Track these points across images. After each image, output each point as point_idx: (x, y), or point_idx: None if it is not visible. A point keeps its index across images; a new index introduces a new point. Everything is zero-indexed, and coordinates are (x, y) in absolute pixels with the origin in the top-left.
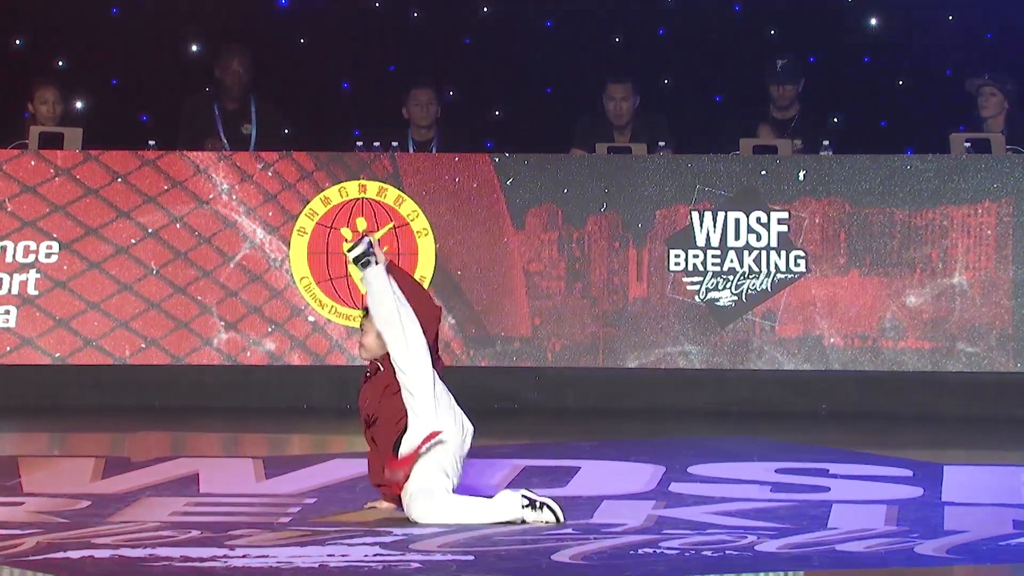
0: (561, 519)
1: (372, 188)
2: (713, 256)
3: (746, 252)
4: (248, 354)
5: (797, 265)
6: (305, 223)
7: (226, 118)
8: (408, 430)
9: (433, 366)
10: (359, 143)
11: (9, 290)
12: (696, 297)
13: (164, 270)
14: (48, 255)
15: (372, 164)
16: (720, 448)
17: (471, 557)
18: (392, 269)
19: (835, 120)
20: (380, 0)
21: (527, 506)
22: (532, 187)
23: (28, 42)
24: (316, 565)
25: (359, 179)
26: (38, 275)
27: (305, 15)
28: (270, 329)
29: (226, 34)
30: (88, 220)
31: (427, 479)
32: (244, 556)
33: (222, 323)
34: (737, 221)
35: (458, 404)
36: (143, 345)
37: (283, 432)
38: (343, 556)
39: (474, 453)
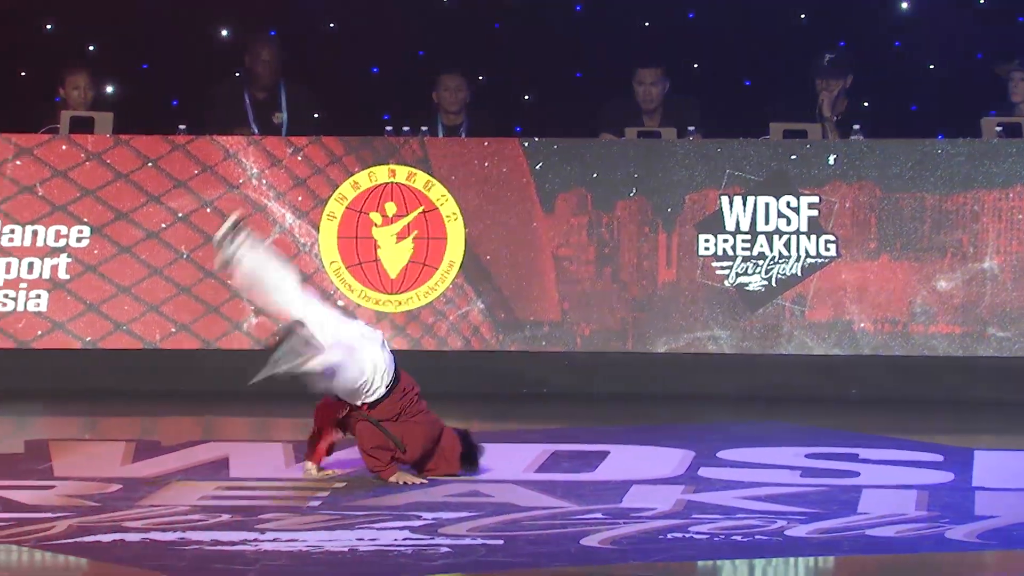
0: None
1: (401, 173)
2: (743, 241)
3: (776, 236)
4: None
5: (827, 250)
6: (335, 208)
7: (257, 108)
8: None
9: None
10: (389, 128)
11: (40, 274)
12: (726, 282)
13: (194, 254)
14: (79, 239)
15: (401, 149)
16: (750, 433)
17: (500, 541)
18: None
19: (865, 105)
20: None
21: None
22: (561, 172)
23: (59, 27)
24: (346, 549)
25: (388, 164)
26: (69, 259)
27: (335, 0)
28: None
29: (256, 19)
30: (119, 204)
31: None
32: (274, 540)
33: (252, 307)
34: (767, 205)
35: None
36: (173, 329)
37: (312, 416)
38: (372, 540)
39: (503, 437)
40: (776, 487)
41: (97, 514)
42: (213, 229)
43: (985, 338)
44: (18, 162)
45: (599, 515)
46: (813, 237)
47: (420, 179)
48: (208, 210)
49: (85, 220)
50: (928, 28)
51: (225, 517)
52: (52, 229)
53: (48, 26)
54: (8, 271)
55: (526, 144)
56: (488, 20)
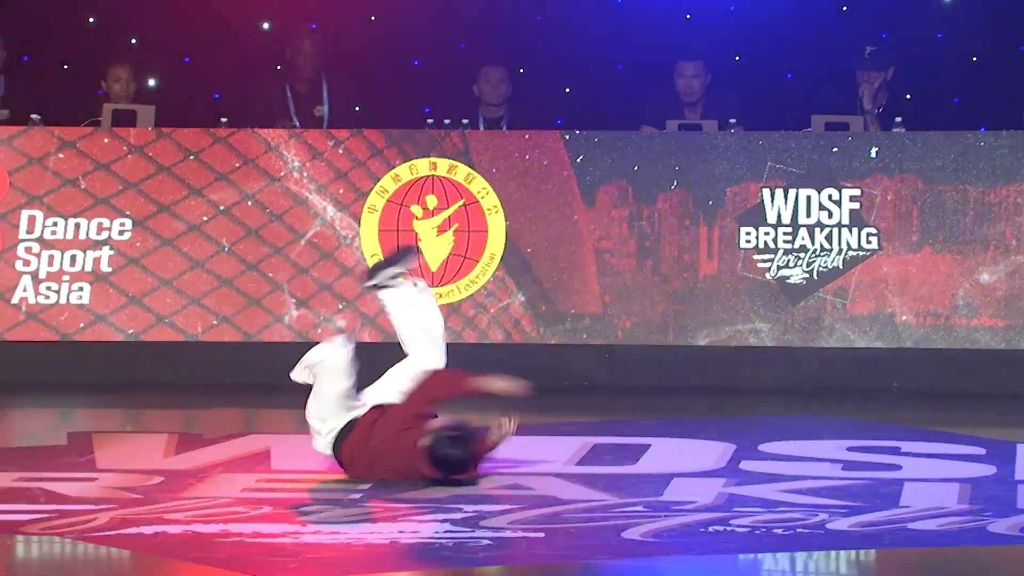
0: None
1: (442, 165)
2: (784, 233)
3: (817, 229)
4: (319, 331)
5: (869, 242)
6: (376, 200)
7: (298, 101)
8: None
9: None
10: (430, 120)
11: (83, 267)
12: (767, 275)
13: (236, 247)
14: (121, 232)
15: (443, 141)
16: (791, 426)
17: (541, 534)
18: None
19: (908, 97)
20: None
21: None
22: (602, 164)
23: (101, 20)
24: (387, 541)
25: (429, 156)
26: (111, 252)
27: None
28: (341, 306)
29: (297, 12)
30: (161, 197)
31: None
32: (315, 532)
33: (293, 300)
34: (808, 198)
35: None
36: (215, 322)
37: None
38: (414, 533)
39: (544, 430)
40: (818, 480)
41: (139, 506)
42: (254, 222)
43: None
44: (61, 155)
45: (640, 508)
46: (855, 230)
47: (461, 172)
48: (249, 203)
49: (127, 213)
50: (971, 19)
51: (267, 509)
52: (94, 222)
53: (91, 19)
54: (51, 263)
55: (567, 137)
56: (530, 13)
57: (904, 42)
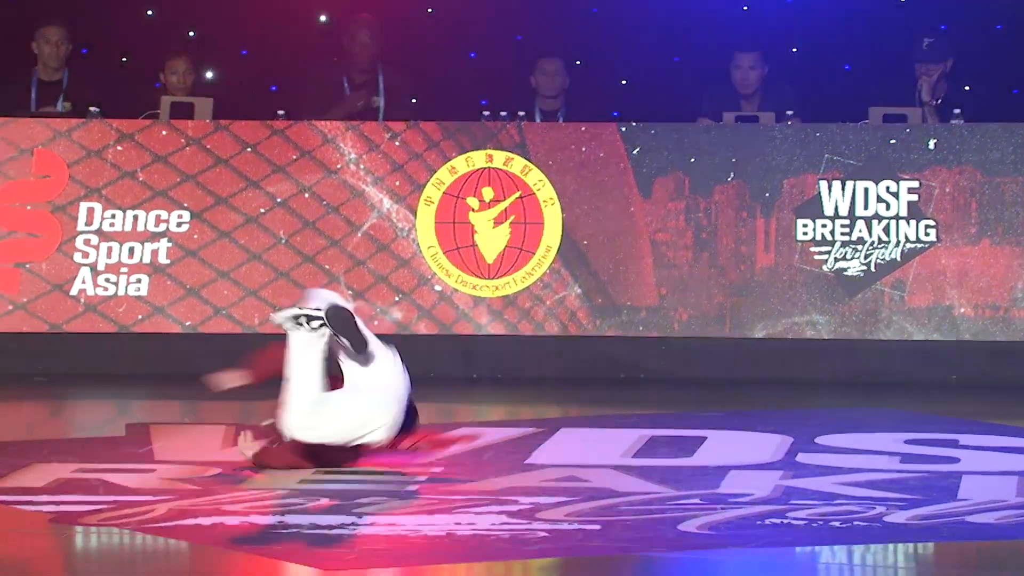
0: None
1: (499, 158)
2: (842, 225)
3: (875, 221)
4: (375, 323)
5: (927, 235)
6: (432, 192)
7: (355, 90)
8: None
9: None
10: (486, 113)
11: (141, 259)
12: (824, 267)
13: (292, 239)
14: (179, 224)
15: (499, 134)
16: (848, 418)
17: (598, 527)
18: None
19: (966, 88)
20: None
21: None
22: (659, 156)
23: (160, 13)
24: (443, 533)
25: (486, 148)
26: (169, 244)
27: None
28: (397, 298)
29: (354, 4)
30: (218, 189)
31: None
32: (372, 524)
33: (350, 292)
34: (866, 190)
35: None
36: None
37: None
38: (470, 524)
39: (600, 422)
40: (875, 473)
41: (197, 497)
42: (311, 214)
43: None
44: (119, 147)
45: (697, 500)
46: (913, 222)
47: (517, 164)
48: (306, 195)
49: (185, 205)
50: None
51: (324, 501)
52: (152, 214)
53: (149, 12)
54: (109, 255)
55: (624, 129)
56: (586, 4)
57: (963, 33)
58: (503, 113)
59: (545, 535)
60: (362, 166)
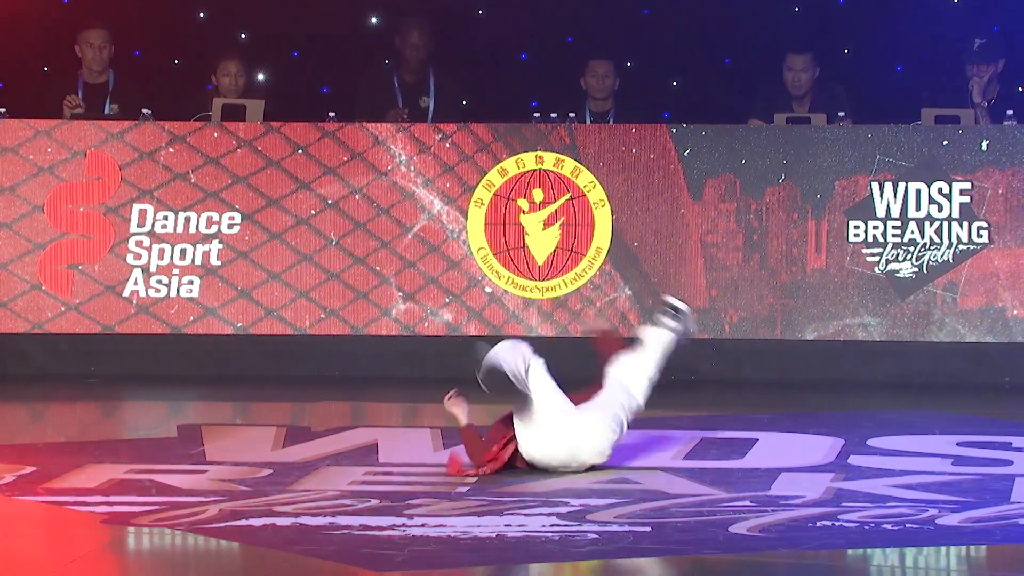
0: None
1: (549, 159)
2: (893, 227)
3: (927, 223)
4: (426, 324)
5: (980, 236)
6: (482, 194)
7: (405, 91)
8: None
9: None
10: (537, 114)
11: (192, 260)
12: (876, 268)
13: (343, 241)
14: (230, 226)
15: (549, 135)
16: (900, 421)
17: (648, 528)
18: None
19: (1020, 89)
20: None
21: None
22: (710, 158)
23: (211, 15)
24: (493, 535)
25: (536, 150)
26: (221, 245)
27: None
28: (447, 300)
29: (405, 6)
30: (269, 191)
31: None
32: (422, 525)
33: (400, 294)
34: (918, 192)
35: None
36: (322, 315)
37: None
38: (520, 526)
39: (651, 424)
40: (927, 475)
41: (248, 498)
42: (362, 215)
43: None
44: (171, 149)
45: (748, 502)
46: (965, 224)
47: (568, 166)
48: (357, 197)
49: (236, 207)
50: None
51: (374, 502)
52: (204, 216)
53: (201, 14)
54: (161, 257)
55: (674, 130)
56: (637, 6)
57: (1015, 34)
58: (553, 115)
59: (595, 537)
60: (412, 168)
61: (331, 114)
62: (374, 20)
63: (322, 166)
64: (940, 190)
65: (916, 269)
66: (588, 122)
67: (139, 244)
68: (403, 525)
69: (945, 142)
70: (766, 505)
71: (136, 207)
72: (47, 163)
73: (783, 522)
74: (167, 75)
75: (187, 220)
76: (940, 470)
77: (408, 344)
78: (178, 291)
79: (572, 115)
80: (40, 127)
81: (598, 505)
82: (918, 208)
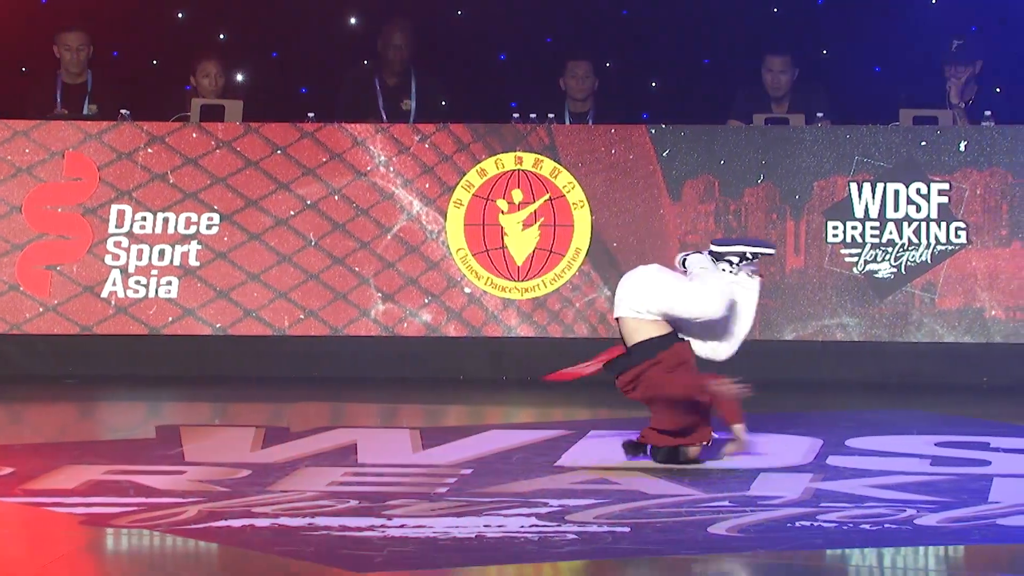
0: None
1: (528, 160)
2: (872, 228)
3: (905, 224)
4: (405, 325)
5: (958, 237)
6: (462, 195)
7: (387, 93)
8: None
9: None
10: (516, 115)
11: (171, 261)
12: (854, 269)
13: (322, 241)
14: (209, 226)
15: (529, 136)
16: (878, 421)
17: (627, 529)
18: None
19: (997, 90)
20: None
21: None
22: (689, 158)
23: (190, 15)
24: (473, 536)
25: (515, 151)
26: (199, 246)
27: None
28: (427, 300)
29: (385, 7)
30: (248, 192)
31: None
32: (402, 526)
33: (379, 294)
34: (896, 192)
35: None
36: (302, 316)
37: (440, 403)
38: (499, 527)
39: (630, 425)
40: (905, 476)
41: (227, 499)
42: (341, 216)
43: None
44: (150, 150)
45: (727, 503)
46: (943, 224)
47: (547, 166)
48: (336, 197)
49: (215, 207)
50: None
51: (353, 503)
52: (183, 216)
53: (180, 14)
54: (140, 258)
55: (653, 131)
56: (616, 7)
57: (993, 35)
58: (533, 115)
59: (574, 537)
60: (392, 168)
61: (310, 115)
62: (353, 21)
63: (301, 167)
64: (918, 191)
65: (894, 270)
66: (567, 123)
67: (117, 245)
68: (382, 526)
69: (923, 143)
70: (745, 505)
71: (115, 208)
72: (25, 163)
73: (762, 522)
74: (146, 75)
75: (166, 221)
76: (918, 470)
77: (387, 345)
78: (157, 292)
79: (551, 116)
80: (18, 127)
81: (577, 506)
82: (896, 209)
